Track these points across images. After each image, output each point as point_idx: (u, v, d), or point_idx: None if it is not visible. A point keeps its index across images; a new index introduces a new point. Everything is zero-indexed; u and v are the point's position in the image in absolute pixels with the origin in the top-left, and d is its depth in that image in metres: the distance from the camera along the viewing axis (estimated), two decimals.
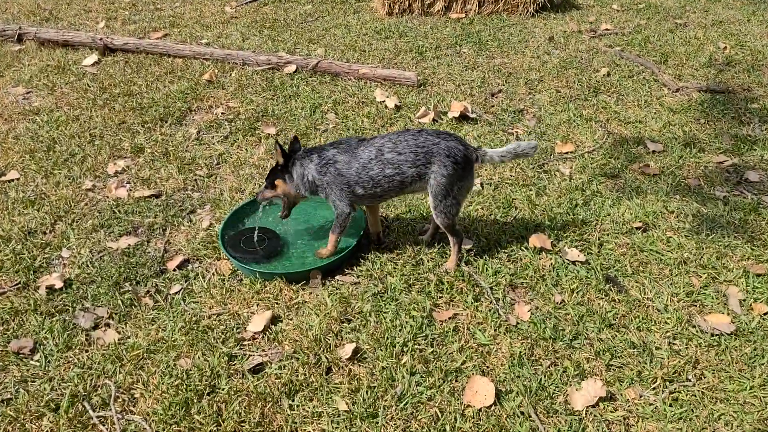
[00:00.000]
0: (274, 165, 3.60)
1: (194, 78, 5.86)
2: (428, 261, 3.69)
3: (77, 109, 5.40)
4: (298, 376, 2.99)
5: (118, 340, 3.23)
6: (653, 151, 4.74)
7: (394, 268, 3.64)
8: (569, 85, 5.77)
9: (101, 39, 6.44)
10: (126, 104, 5.44)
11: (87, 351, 3.18)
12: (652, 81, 5.82)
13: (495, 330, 3.22)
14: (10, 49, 6.63)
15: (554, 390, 2.88)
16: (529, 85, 5.81)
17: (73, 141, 4.92)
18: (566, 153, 4.75)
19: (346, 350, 3.08)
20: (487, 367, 3.02)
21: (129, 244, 3.88)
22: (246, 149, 4.85)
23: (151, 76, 5.92)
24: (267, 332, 3.26)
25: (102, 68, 6.16)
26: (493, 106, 5.47)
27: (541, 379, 2.93)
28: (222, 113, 5.33)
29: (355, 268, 3.67)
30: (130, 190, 4.39)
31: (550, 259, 3.67)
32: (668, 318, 3.25)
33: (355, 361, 3.06)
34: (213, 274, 3.67)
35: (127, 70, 6.09)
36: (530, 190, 4.29)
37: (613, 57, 6.28)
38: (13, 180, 4.49)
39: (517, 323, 3.26)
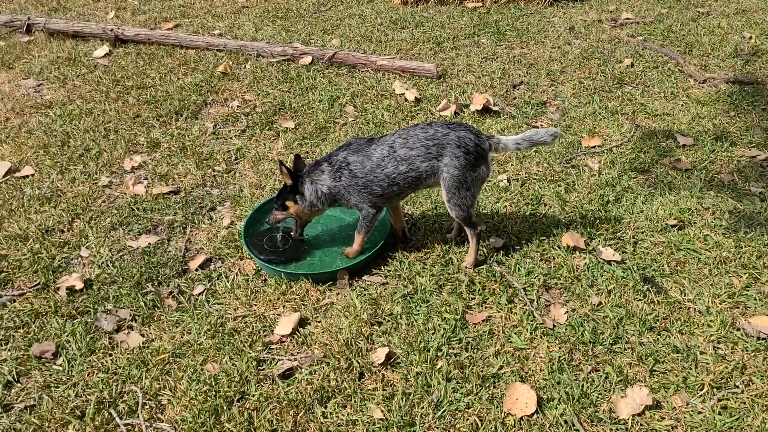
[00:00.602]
0: (282, 186, 3.49)
1: (208, 70, 5.74)
2: (458, 260, 3.58)
3: (90, 102, 5.29)
4: (329, 381, 2.89)
5: (143, 343, 3.14)
6: (683, 145, 4.61)
7: (423, 267, 3.53)
8: (592, 77, 5.63)
9: (112, 30, 6.31)
10: (140, 97, 5.33)
11: (111, 355, 3.09)
12: (678, 72, 5.68)
13: (531, 333, 3.12)
14: (19, 41, 6.51)
15: (597, 397, 2.78)
16: (551, 76, 5.67)
17: (87, 135, 4.81)
18: (593, 147, 4.63)
19: (379, 355, 2.98)
20: (526, 372, 2.92)
21: (149, 243, 3.77)
22: (264, 143, 4.74)
23: (164, 68, 5.80)
24: (295, 335, 3.16)
25: (114, 60, 6.03)
26: (515, 99, 5.34)
27: (583, 385, 2.83)
28: (238, 106, 5.21)
29: (382, 267, 3.56)
30: (148, 186, 4.28)
31: (584, 258, 3.56)
32: (711, 321, 3.14)
33: (388, 366, 2.96)
34: (236, 274, 3.57)
35: (139, 61, 5.97)
36: (559, 185, 4.17)
37: (636, 47, 6.14)
38: (27, 176, 4.38)
39: (554, 326, 3.16)
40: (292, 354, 3.08)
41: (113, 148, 4.67)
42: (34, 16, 6.75)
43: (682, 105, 5.17)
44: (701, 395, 2.78)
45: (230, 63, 5.80)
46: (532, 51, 6.15)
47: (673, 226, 3.77)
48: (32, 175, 4.39)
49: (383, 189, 3.30)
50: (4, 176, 4.36)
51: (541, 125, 4.89)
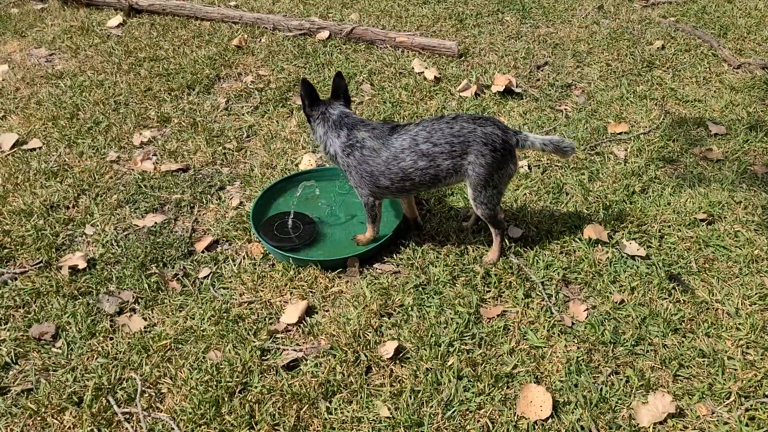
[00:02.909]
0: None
1: (222, 43, 5.57)
2: (473, 251, 3.43)
3: (101, 74, 5.16)
4: (335, 375, 2.78)
5: (144, 327, 3.04)
6: (715, 134, 4.39)
7: (437, 257, 3.38)
8: (621, 59, 5.38)
9: None
10: (152, 70, 5.19)
11: (111, 339, 2.99)
12: (711, 56, 5.41)
13: (548, 331, 2.97)
14: (32, 8, 6.38)
15: (617, 403, 2.63)
16: (577, 57, 5.43)
17: (97, 108, 4.69)
18: (620, 134, 4.42)
19: (388, 348, 2.85)
20: (541, 373, 2.78)
21: (155, 222, 3.66)
22: (277, 121, 4.59)
23: (177, 40, 5.64)
24: (302, 324, 3.05)
25: (127, 30, 5.89)
26: (538, 80, 5.13)
27: (601, 389, 2.68)
28: (252, 82, 5.06)
29: (394, 255, 3.42)
30: (157, 163, 4.16)
31: (607, 252, 3.38)
32: (740, 324, 2.96)
33: (397, 361, 2.84)
34: (243, 257, 3.45)
35: (153, 33, 5.82)
36: (582, 173, 3.98)
37: (668, 29, 5.86)
38: (35, 149, 4.28)
39: (573, 324, 3.00)
40: (297, 344, 2.97)
41: (123, 122, 4.54)
42: None
43: (714, 91, 4.92)
44: (728, 404, 2.62)
45: (245, 36, 5.63)
46: (559, 30, 5.90)
47: (702, 220, 3.58)
48: (39, 148, 4.29)
49: (393, 182, 3.13)
50: (11, 148, 4.27)
51: (566, 109, 4.68)
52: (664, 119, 4.56)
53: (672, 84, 5.01)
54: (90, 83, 5.00)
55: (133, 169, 4.10)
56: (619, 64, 5.30)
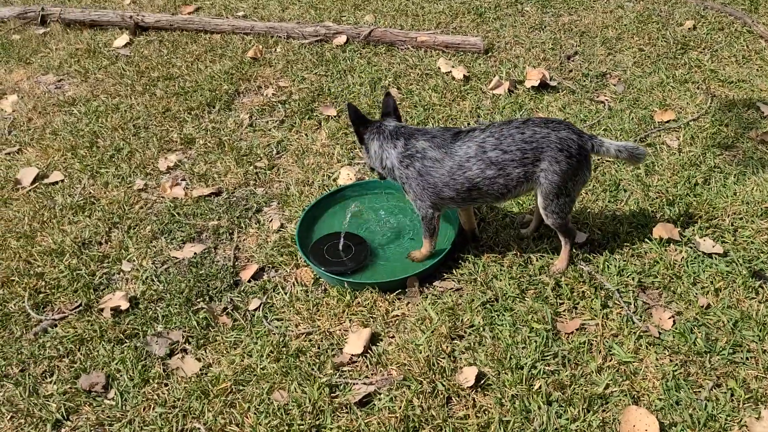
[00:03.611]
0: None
1: (237, 55, 5.35)
2: (537, 260, 3.23)
3: (116, 97, 4.94)
4: (414, 409, 2.57)
5: (200, 369, 2.84)
6: None
7: (500, 270, 3.18)
8: (653, 42, 5.17)
9: (131, 17, 5.93)
10: (167, 89, 4.97)
11: (166, 385, 2.79)
12: (746, 33, 5.20)
13: (635, 343, 2.76)
14: (34, 33, 6.15)
15: (726, 420, 2.43)
16: (607, 44, 5.22)
17: (116, 134, 4.48)
18: (667, 122, 4.21)
19: (467, 376, 2.65)
20: (637, 391, 2.57)
21: (195, 253, 3.46)
22: (306, 134, 4.38)
23: (190, 56, 5.42)
24: (368, 354, 2.85)
25: (135, 49, 5.66)
26: (571, 71, 4.92)
27: (706, 405, 2.48)
28: (273, 94, 4.84)
29: (454, 271, 3.22)
30: (187, 188, 3.95)
31: (681, 251, 3.18)
32: None
33: (479, 389, 2.63)
34: (293, 284, 3.24)
35: (162, 50, 5.60)
36: (637, 167, 3.77)
37: (696, 7, 5.64)
38: (57, 182, 4.07)
39: (660, 334, 2.80)
40: (366, 377, 2.76)
41: (145, 146, 4.33)
42: (48, 5, 6.37)
43: (757, 69, 4.71)
44: None
45: (260, 47, 5.42)
46: (582, 17, 5.68)
47: None
48: (62, 180, 4.08)
49: (458, 193, 2.92)
50: (33, 183, 4.05)
51: (607, 101, 4.47)
52: (711, 103, 4.35)
53: (711, 65, 4.80)
54: (105, 108, 4.79)
55: (163, 197, 3.89)
56: (652, 49, 5.09)
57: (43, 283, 3.30)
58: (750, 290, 2.94)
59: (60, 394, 2.76)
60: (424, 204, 3.01)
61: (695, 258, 3.13)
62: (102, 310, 3.13)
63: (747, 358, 2.65)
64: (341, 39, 5.42)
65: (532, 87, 4.63)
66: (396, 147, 2.99)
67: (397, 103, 4.53)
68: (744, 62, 4.82)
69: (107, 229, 3.64)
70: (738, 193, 3.52)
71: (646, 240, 3.25)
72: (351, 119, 3.09)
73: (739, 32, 5.21)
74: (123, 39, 5.80)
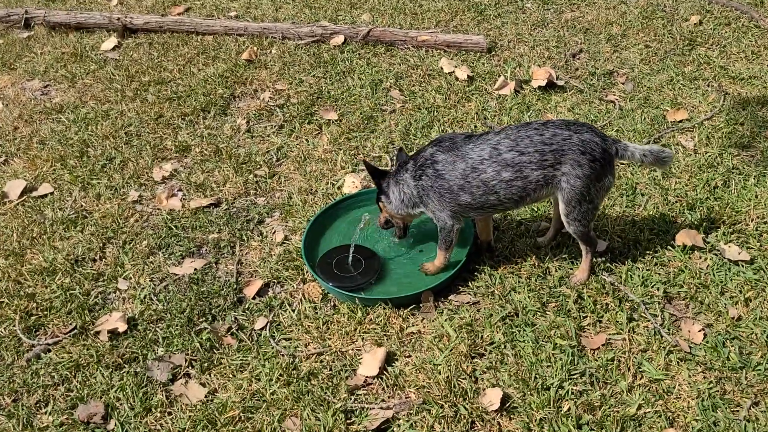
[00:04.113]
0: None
1: (231, 58, 5.16)
2: (556, 270, 3.08)
3: (105, 104, 4.74)
4: None
5: (206, 396, 2.67)
6: None
7: (518, 282, 3.03)
8: (659, 39, 5.04)
9: (119, 19, 5.72)
10: (159, 94, 4.77)
11: (170, 414, 2.62)
12: (753, 27, 5.08)
13: (665, 359, 2.63)
14: (18, 37, 5.92)
15: None
16: (612, 41, 5.08)
17: (107, 142, 4.28)
18: (680, 121, 4.08)
19: (491, 399, 2.50)
20: (672, 412, 2.43)
21: (195, 269, 3.28)
22: (306, 140, 4.21)
23: (181, 59, 5.23)
24: (383, 375, 2.69)
25: (124, 53, 5.46)
26: (577, 70, 4.78)
27: (746, 426, 2.34)
28: (270, 98, 4.66)
29: (470, 283, 3.07)
30: (184, 199, 3.77)
31: (706, 259, 3.05)
32: None
33: (504, 413, 2.48)
34: (300, 300, 3.08)
35: (153, 53, 5.39)
36: (653, 170, 3.64)
37: (701, 2, 5.51)
38: (46, 195, 3.87)
39: (691, 348, 2.66)
40: (383, 400, 2.61)
41: (138, 155, 4.14)
42: (32, 8, 6.14)
43: (767, 65, 4.60)
44: None
45: (254, 49, 5.23)
46: (585, 13, 5.54)
47: None
48: (51, 193, 3.88)
49: (474, 198, 2.78)
50: (20, 197, 3.86)
51: (616, 100, 4.33)
52: (724, 101, 4.22)
53: (720, 62, 4.67)
54: (94, 115, 4.58)
55: (159, 209, 3.71)
56: (659, 45, 4.96)
57: (35, 305, 3.11)
58: None
59: (56, 426, 2.59)
60: (443, 215, 2.86)
61: (721, 266, 3.00)
62: (98, 332, 2.95)
63: None
64: (339, 39, 5.24)
65: (539, 87, 4.48)
66: (408, 170, 2.93)
67: (400, 105, 4.39)
68: (754, 58, 4.70)
69: (101, 244, 3.46)
70: (760, 196, 3.39)
71: (669, 247, 3.12)
72: (369, 172, 3.07)
73: (746, 27, 5.09)
74: (111, 42, 5.59)
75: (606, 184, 2.77)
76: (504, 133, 2.77)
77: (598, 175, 2.69)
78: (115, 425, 2.58)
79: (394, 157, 3.12)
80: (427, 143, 2.97)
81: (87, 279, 3.24)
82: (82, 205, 3.76)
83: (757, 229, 3.19)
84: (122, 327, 2.96)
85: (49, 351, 2.91)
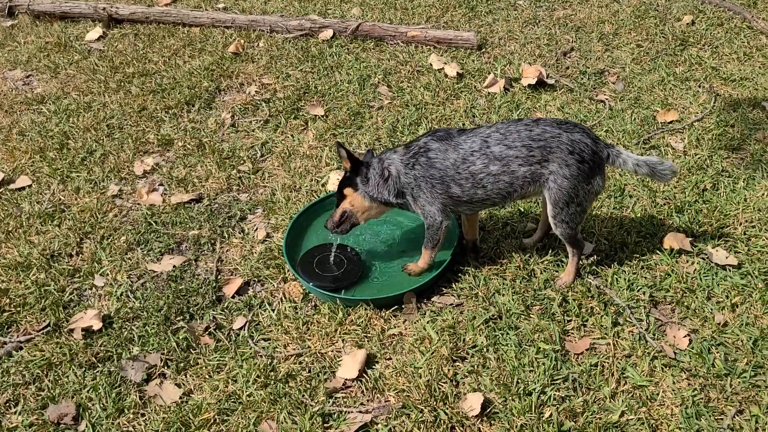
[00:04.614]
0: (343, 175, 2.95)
1: (217, 50, 5.08)
2: (541, 272, 3.03)
3: (88, 95, 4.65)
4: None
5: (180, 397, 2.60)
6: None
7: (503, 284, 2.98)
8: (651, 38, 4.99)
9: (104, 9, 5.62)
10: (143, 86, 4.69)
11: (143, 415, 2.55)
12: (746, 28, 5.04)
13: (649, 365, 2.58)
14: (1, 26, 5.81)
15: None
16: (603, 40, 5.03)
17: (88, 135, 4.20)
18: (671, 122, 4.04)
19: (472, 404, 2.45)
20: (655, 419, 2.39)
21: (174, 266, 3.21)
22: (292, 136, 4.13)
23: (167, 51, 5.14)
24: (363, 378, 2.63)
25: (109, 43, 5.36)
26: (567, 68, 4.72)
27: None
28: (256, 92, 4.59)
29: (453, 285, 3.01)
30: (165, 194, 3.69)
31: (693, 263, 3.01)
32: None
33: (485, 418, 2.43)
34: (281, 300, 3.02)
35: (138, 44, 5.30)
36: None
37: (694, 2, 5.47)
38: (24, 188, 3.78)
39: (676, 354, 2.62)
40: (362, 404, 2.55)
41: (120, 149, 4.06)
42: None
43: (760, 67, 4.56)
44: None
45: (241, 41, 5.15)
46: (577, 11, 5.48)
47: None
48: (29, 186, 3.80)
49: (463, 190, 2.73)
50: None
51: (607, 100, 4.28)
52: (715, 103, 4.18)
53: (712, 62, 4.63)
54: (77, 106, 4.49)
55: (139, 204, 3.63)
56: (650, 45, 4.91)
57: (8, 301, 3.03)
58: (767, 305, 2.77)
59: (26, 426, 2.52)
60: (433, 208, 2.80)
61: (708, 270, 2.96)
62: (72, 330, 2.88)
63: None
64: (327, 33, 5.17)
65: (529, 85, 4.43)
66: (397, 152, 2.83)
67: (388, 102, 4.32)
68: (746, 59, 4.66)
69: (78, 239, 3.38)
70: (748, 200, 3.35)
71: (656, 251, 3.07)
72: (350, 156, 2.86)
73: (739, 28, 5.05)
74: (96, 32, 5.50)
75: (595, 188, 2.71)
76: (495, 126, 2.74)
77: (586, 177, 2.64)
78: (86, 426, 2.51)
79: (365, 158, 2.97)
80: (421, 134, 2.90)
81: (62, 275, 3.16)
82: (60, 199, 3.68)
83: (745, 234, 3.15)
84: (97, 325, 2.89)
85: (21, 349, 2.83)
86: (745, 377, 2.49)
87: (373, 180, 2.85)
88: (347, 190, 2.92)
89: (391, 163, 2.83)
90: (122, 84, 4.74)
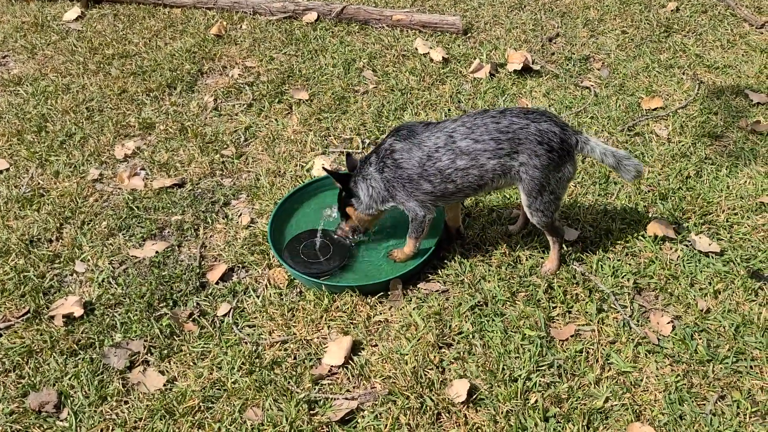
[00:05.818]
0: (339, 191, 2.97)
1: (199, 32, 4.99)
2: (527, 259, 3.04)
3: (66, 77, 4.55)
4: (401, 428, 2.37)
5: (164, 384, 2.57)
6: (758, 104, 4.05)
7: (488, 270, 2.98)
8: (635, 24, 4.99)
9: None
10: (124, 68, 4.60)
11: (126, 403, 2.52)
12: (729, 16, 5.06)
13: (633, 351, 2.61)
14: None
15: None
16: (589, 26, 5.02)
17: (67, 117, 4.11)
18: (655, 109, 4.05)
19: (458, 390, 2.45)
20: (639, 405, 2.41)
21: (157, 252, 3.17)
22: (276, 120, 4.08)
23: (148, 32, 5.04)
24: (349, 365, 2.62)
25: (88, 23, 5.24)
26: (553, 54, 4.71)
27: (711, 420, 2.33)
28: (239, 75, 4.52)
29: (439, 271, 3.01)
30: (147, 178, 3.64)
31: (676, 250, 3.03)
32: None
33: (471, 404, 2.44)
34: (265, 286, 2.99)
35: (117, 24, 5.19)
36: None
37: None
38: (1, 171, 3.70)
39: (659, 340, 2.64)
40: (348, 390, 2.55)
41: (100, 132, 3.98)
42: None
43: (743, 55, 4.58)
44: None
45: (224, 23, 5.06)
46: None
47: None
48: (6, 170, 3.71)
49: (434, 186, 2.72)
50: None
51: (592, 86, 4.28)
52: (698, 90, 4.20)
53: (696, 50, 4.65)
54: (55, 88, 4.39)
55: (120, 188, 3.57)
56: (635, 31, 4.91)
57: None
58: (750, 292, 2.81)
59: (6, 414, 2.47)
60: (411, 204, 2.80)
61: (692, 257, 2.99)
62: (53, 317, 2.83)
63: (751, 367, 2.52)
64: (312, 16, 5.10)
65: (515, 71, 4.41)
66: (371, 164, 2.85)
67: (373, 86, 4.28)
68: (729, 47, 4.68)
69: (58, 224, 3.31)
70: (731, 187, 3.38)
71: (640, 237, 3.09)
72: (336, 177, 2.93)
73: (722, 15, 5.07)
74: (74, 12, 5.37)
75: (566, 175, 2.71)
76: (460, 120, 2.71)
77: (556, 166, 2.64)
78: (68, 414, 2.47)
79: (344, 164, 3.00)
80: (388, 133, 2.88)
81: (42, 261, 3.11)
82: (39, 183, 3.60)
83: (727, 221, 3.18)
84: (78, 311, 2.84)
85: (0, 336, 2.78)
86: (727, 363, 2.53)
87: (365, 200, 2.89)
88: (349, 210, 2.97)
89: (372, 178, 2.84)
90: (101, 66, 4.64)
